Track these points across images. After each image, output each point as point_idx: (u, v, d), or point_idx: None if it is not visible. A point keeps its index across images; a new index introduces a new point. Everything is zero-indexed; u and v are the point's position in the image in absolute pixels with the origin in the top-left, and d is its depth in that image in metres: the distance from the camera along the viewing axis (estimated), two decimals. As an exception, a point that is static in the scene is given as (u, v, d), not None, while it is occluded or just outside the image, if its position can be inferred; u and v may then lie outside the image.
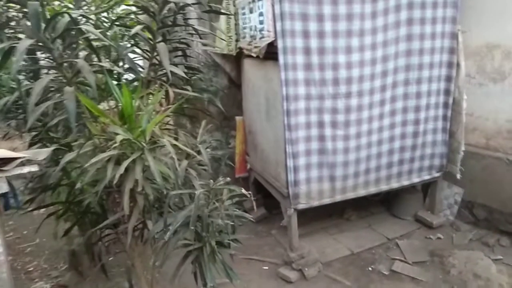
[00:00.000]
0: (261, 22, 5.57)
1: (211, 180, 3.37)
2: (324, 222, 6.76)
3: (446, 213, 6.74)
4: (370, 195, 6.32)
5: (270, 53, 5.41)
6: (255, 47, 5.82)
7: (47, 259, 5.87)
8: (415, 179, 6.41)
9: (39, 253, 6.03)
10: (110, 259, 5.26)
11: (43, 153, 3.01)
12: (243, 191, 3.39)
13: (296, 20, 4.87)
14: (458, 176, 6.32)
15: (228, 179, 3.46)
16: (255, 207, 4.35)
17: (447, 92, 6.14)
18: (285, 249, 5.86)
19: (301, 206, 5.61)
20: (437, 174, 6.54)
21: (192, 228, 3.15)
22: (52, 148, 3.50)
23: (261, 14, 5.53)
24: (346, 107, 5.40)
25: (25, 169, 2.56)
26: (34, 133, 4.22)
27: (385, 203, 7.29)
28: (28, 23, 3.64)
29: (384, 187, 6.17)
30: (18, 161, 2.55)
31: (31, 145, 4.29)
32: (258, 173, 6.79)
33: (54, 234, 4.50)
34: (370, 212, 7.18)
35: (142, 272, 4.14)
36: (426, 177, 6.49)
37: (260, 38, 5.67)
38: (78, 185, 3.51)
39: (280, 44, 4.93)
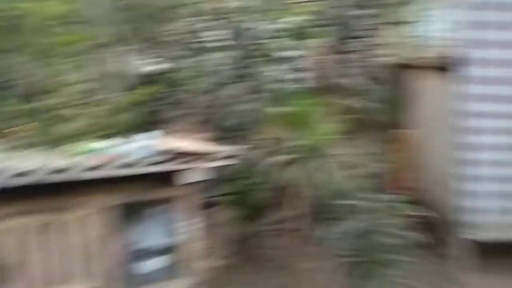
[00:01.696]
0: (440, 32, 5.15)
1: (383, 195, 3.30)
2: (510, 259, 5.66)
3: None
4: None
5: (449, 64, 4.93)
6: (432, 57, 5.41)
7: (216, 242, 6.50)
8: None
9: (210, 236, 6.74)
10: (267, 253, 5.59)
11: (239, 150, 3.40)
12: (416, 212, 3.22)
13: (489, 29, 4.29)
14: None
15: (399, 196, 3.34)
16: (420, 230, 4.05)
17: None
18: (451, 283, 5.19)
19: (476, 237, 4.91)
20: None
21: (357, 240, 3.14)
22: (246, 146, 3.87)
23: (441, 23, 5.12)
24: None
25: (227, 162, 2.97)
26: (219, 131, 4.80)
27: None
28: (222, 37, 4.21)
29: None
30: (222, 154, 2.97)
31: (214, 140, 4.92)
32: (423, 193, 6.26)
33: (225, 221, 5.05)
34: None
35: (296, 271, 4.29)
36: None
37: (439, 48, 5.24)
38: (252, 180, 3.87)
39: (465, 55, 4.44)
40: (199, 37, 5.42)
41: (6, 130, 4.30)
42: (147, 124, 4.98)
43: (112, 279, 3.36)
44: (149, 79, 5.75)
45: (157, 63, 5.89)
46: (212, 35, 5.20)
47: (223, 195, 4.74)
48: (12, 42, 4.83)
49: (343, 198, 3.55)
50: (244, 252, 5.37)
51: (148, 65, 5.92)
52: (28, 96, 4.95)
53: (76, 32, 5.15)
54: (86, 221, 3.27)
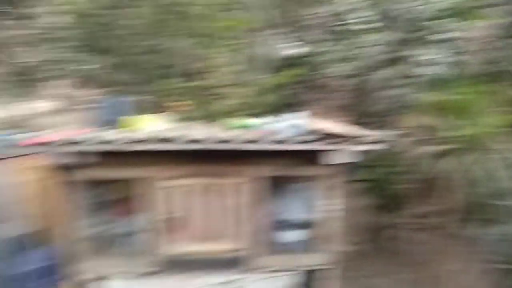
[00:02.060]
0: None
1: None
2: None
3: None
4: None
5: None
6: None
7: (349, 227, 6.45)
8: None
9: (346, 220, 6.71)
10: (401, 246, 5.38)
11: (387, 135, 3.35)
12: None
13: None
14: None
15: None
16: None
17: None
18: None
19: None
20: None
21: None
22: (394, 133, 3.76)
23: None
24: None
25: (377, 146, 2.98)
26: (362, 115, 4.74)
27: None
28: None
29: None
30: (369, 139, 2.98)
31: (356, 124, 4.86)
32: None
33: (362, 207, 5.02)
34: None
35: (435, 270, 4.05)
36: None
37: None
38: (395, 169, 3.76)
39: None
40: (344, 20, 5.37)
41: (169, 105, 5.03)
42: (289, 105, 5.20)
43: (256, 243, 3.70)
44: (292, 62, 5.96)
45: (300, 46, 6.05)
46: (358, 17, 5.09)
47: (363, 180, 4.68)
48: (178, 27, 5.56)
49: (504, 198, 3.19)
50: (377, 241, 5.28)
51: (292, 49, 6.12)
52: (188, 75, 5.66)
53: (234, 18, 5.65)
54: (239, 188, 3.65)
